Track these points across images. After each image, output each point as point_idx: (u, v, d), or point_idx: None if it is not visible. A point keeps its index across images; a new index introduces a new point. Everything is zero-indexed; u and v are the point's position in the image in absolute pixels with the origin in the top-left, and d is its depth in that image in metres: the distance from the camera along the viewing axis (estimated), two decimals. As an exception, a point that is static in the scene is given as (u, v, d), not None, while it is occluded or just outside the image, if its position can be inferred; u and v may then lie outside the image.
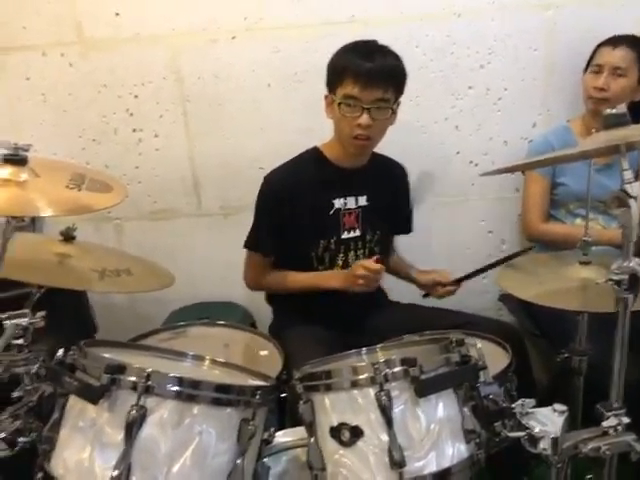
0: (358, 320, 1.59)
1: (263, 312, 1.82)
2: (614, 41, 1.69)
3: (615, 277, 0.94)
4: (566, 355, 1.37)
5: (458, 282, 1.59)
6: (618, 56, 1.67)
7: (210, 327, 1.54)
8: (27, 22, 1.90)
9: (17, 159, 1.06)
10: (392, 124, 1.52)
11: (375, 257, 1.48)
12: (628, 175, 0.91)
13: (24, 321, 1.05)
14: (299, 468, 1.10)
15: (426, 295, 1.66)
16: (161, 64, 1.91)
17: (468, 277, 1.57)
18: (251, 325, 1.94)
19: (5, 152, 1.06)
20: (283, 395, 1.08)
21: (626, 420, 0.96)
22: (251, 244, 1.61)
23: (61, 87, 1.95)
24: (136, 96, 1.94)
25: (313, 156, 1.60)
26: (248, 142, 1.96)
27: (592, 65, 1.73)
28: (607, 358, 1.02)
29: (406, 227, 1.78)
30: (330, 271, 1.60)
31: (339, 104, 1.45)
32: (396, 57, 1.47)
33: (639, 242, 1.30)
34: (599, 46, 1.73)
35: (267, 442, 1.03)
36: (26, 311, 1.07)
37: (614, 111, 0.96)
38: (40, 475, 0.90)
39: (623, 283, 0.94)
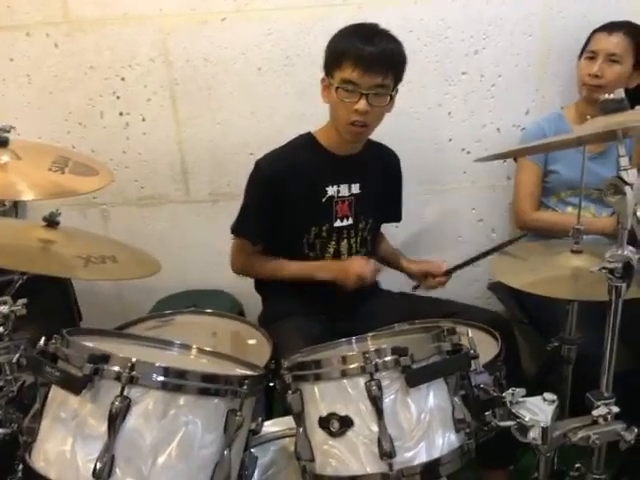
0: (349, 309, 1.58)
1: (252, 300, 1.80)
2: (609, 27, 1.67)
3: (609, 265, 0.93)
4: (555, 344, 1.37)
5: (449, 273, 1.58)
6: (613, 42, 1.65)
7: (198, 315, 1.52)
8: (12, 1, 1.85)
9: (-3, 141, 1.02)
10: (389, 112, 1.49)
11: (372, 260, 1.47)
12: (624, 162, 0.89)
13: (4, 308, 1.03)
14: (287, 458, 1.09)
15: (416, 287, 1.65)
16: (149, 46, 1.87)
17: (459, 267, 1.56)
18: (239, 313, 1.92)
19: (-16, 134, 1.02)
20: (271, 385, 1.07)
21: (615, 409, 0.96)
22: (238, 230, 1.58)
23: (46, 68, 1.90)
24: (123, 78, 1.90)
25: (307, 142, 1.57)
26: (238, 127, 1.93)
27: (587, 51, 1.71)
28: (597, 347, 1.02)
29: (396, 215, 1.77)
30: (324, 262, 1.58)
31: (337, 88, 1.41)
32: (397, 42, 1.43)
33: (632, 232, 1.30)
34: (594, 32, 1.71)
35: (255, 432, 1.01)
36: (6, 298, 1.04)
37: (612, 96, 0.94)
38: (21, 467, 0.88)
39: (617, 271, 0.93)
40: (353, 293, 1.53)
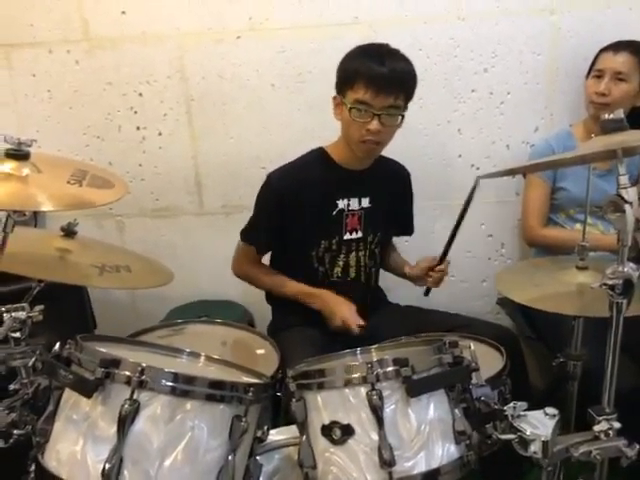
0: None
1: (262, 311, 1.83)
2: (616, 47, 1.69)
3: (609, 282, 0.94)
4: (561, 360, 1.37)
5: (443, 258, 1.57)
6: (619, 61, 1.67)
7: (208, 325, 1.55)
8: (34, 19, 1.93)
9: (19, 154, 1.07)
10: (400, 128, 1.51)
11: (361, 323, 1.46)
12: (624, 180, 0.91)
13: (22, 314, 1.07)
14: (291, 467, 1.10)
15: (427, 291, 1.63)
16: (166, 63, 1.93)
17: (447, 247, 1.55)
18: (249, 324, 1.95)
19: (8, 147, 1.07)
20: (278, 394, 1.09)
21: (617, 425, 0.96)
22: (246, 237, 1.62)
23: (67, 84, 1.97)
24: (140, 94, 1.96)
25: (318, 156, 1.60)
26: (251, 142, 1.98)
27: (594, 70, 1.73)
28: (602, 363, 1.02)
29: (408, 229, 1.79)
30: (320, 291, 1.57)
31: (350, 108, 1.43)
32: (408, 62, 1.45)
33: (636, 248, 1.31)
34: (601, 51, 1.73)
35: (260, 440, 1.03)
36: (24, 305, 1.08)
37: (612, 116, 0.96)
38: (33, 467, 0.91)
39: (617, 288, 0.94)
40: (361, 306, 1.54)
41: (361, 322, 1.45)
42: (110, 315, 2.06)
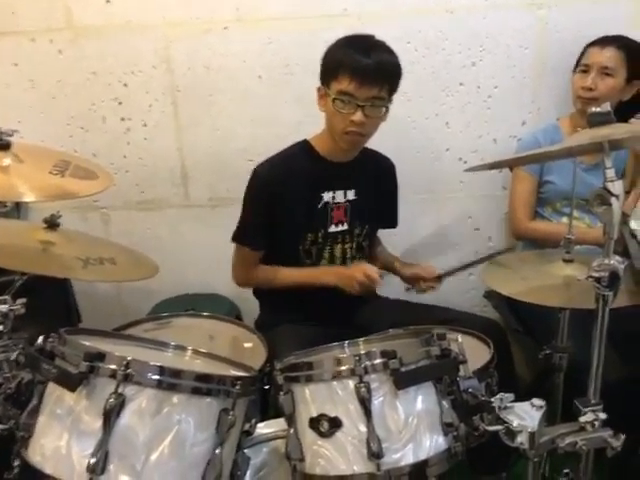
0: (345, 315, 1.59)
1: (249, 304, 1.82)
2: (602, 41, 1.70)
3: (595, 274, 0.95)
4: (548, 352, 1.38)
5: (440, 278, 1.60)
6: (606, 56, 1.68)
7: (195, 318, 1.54)
8: (16, 8, 1.88)
9: (0, 144, 1.05)
10: (384, 120, 1.52)
11: (380, 271, 1.48)
12: (610, 173, 0.91)
13: (4, 308, 1.05)
14: (279, 460, 1.10)
15: (408, 289, 1.66)
16: (151, 53, 1.90)
17: (450, 274, 1.58)
18: (237, 317, 1.94)
19: (-12, 137, 1.05)
20: (267, 387, 1.08)
21: (603, 416, 0.97)
22: (240, 237, 1.59)
23: (50, 74, 1.93)
24: (125, 84, 1.93)
25: (303, 149, 1.59)
26: (238, 134, 1.96)
27: (580, 65, 1.74)
28: (589, 355, 1.03)
29: (392, 221, 1.79)
30: (326, 267, 1.59)
31: (333, 99, 1.43)
32: (393, 54, 1.45)
33: (623, 241, 1.32)
34: (588, 46, 1.74)
35: (248, 433, 1.03)
36: (6, 297, 1.06)
37: (598, 109, 0.96)
38: (17, 462, 0.89)
39: (603, 280, 0.94)
40: (350, 299, 1.54)
41: (379, 271, 1.48)
42: (95, 309, 2.04)
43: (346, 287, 1.50)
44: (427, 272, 1.61)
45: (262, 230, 1.56)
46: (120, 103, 1.95)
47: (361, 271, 1.47)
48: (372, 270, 1.47)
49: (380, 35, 1.48)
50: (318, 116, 1.53)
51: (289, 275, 1.59)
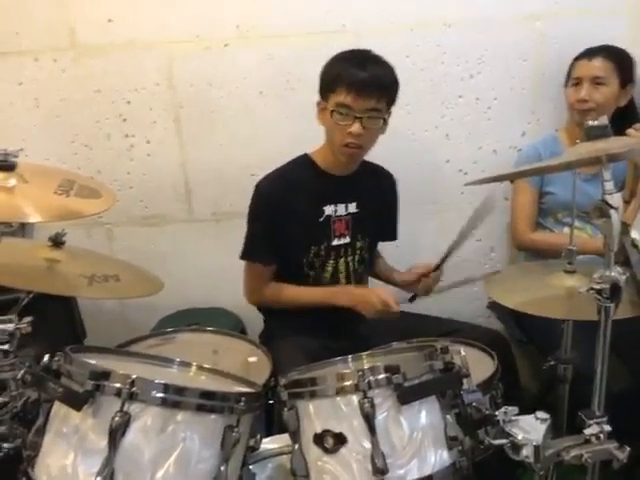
0: (348, 328, 1.59)
1: (253, 319, 1.82)
2: (588, 53, 1.72)
3: (597, 286, 0.95)
4: (552, 363, 1.38)
5: (439, 267, 1.59)
6: (596, 66, 1.69)
7: (199, 333, 1.55)
8: (20, 27, 1.91)
9: (5, 165, 1.07)
10: (383, 133, 1.53)
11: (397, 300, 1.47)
12: (609, 186, 0.92)
13: (10, 326, 1.06)
14: (284, 475, 1.10)
15: (412, 298, 1.64)
16: (154, 71, 1.92)
17: (445, 259, 1.57)
18: (241, 332, 1.94)
19: (-6, 158, 1.06)
20: (271, 402, 1.09)
21: (608, 428, 0.97)
22: (249, 254, 1.59)
23: (54, 92, 1.95)
24: (129, 102, 1.95)
25: (304, 163, 1.61)
26: (240, 149, 1.97)
27: (572, 79, 1.75)
28: (593, 366, 1.03)
29: (392, 234, 1.79)
30: (340, 287, 1.59)
31: (331, 112, 1.45)
32: (389, 67, 1.48)
33: (624, 251, 1.32)
34: (575, 60, 1.75)
35: (253, 449, 1.03)
36: (12, 317, 1.07)
37: (596, 123, 0.97)
38: (23, 481, 0.90)
39: (604, 292, 0.95)
40: (353, 312, 1.55)
41: (397, 299, 1.46)
42: (100, 325, 2.04)
43: (362, 310, 1.50)
44: (425, 267, 1.61)
45: (270, 244, 1.57)
46: (124, 120, 1.97)
47: (378, 296, 1.46)
48: (389, 296, 1.46)
49: (379, 50, 1.51)
50: (319, 130, 1.55)
51: (302, 294, 1.59)
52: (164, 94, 1.94)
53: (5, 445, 0.97)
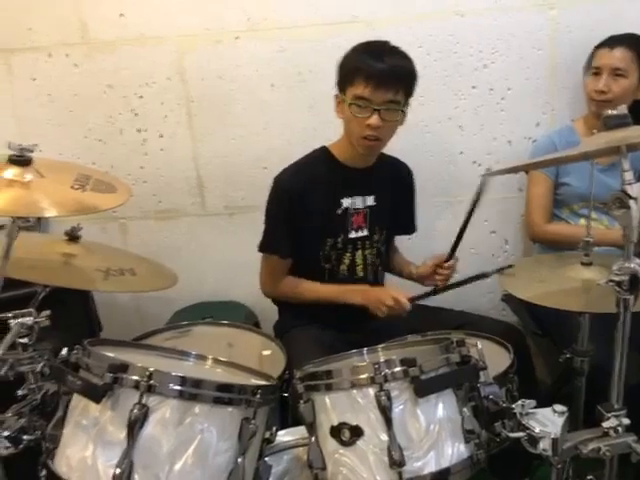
0: (363, 320, 1.59)
1: (267, 312, 1.83)
2: (611, 42, 1.68)
3: (616, 278, 0.94)
4: (568, 356, 1.37)
5: (452, 255, 1.57)
6: (617, 57, 1.66)
7: (214, 327, 1.55)
8: (32, 23, 1.92)
9: (22, 160, 1.07)
10: (401, 124, 1.52)
11: (410, 296, 1.46)
12: (628, 176, 0.91)
13: (29, 320, 1.06)
14: (300, 467, 1.11)
15: (435, 291, 1.59)
16: (166, 65, 1.93)
17: (456, 245, 1.55)
18: (255, 325, 1.95)
19: (10, 153, 1.07)
20: (285, 395, 1.09)
21: (626, 421, 0.96)
22: (267, 247, 1.60)
23: (67, 88, 1.97)
24: (141, 96, 1.96)
25: (322, 156, 1.60)
26: (252, 142, 1.97)
27: (591, 68, 1.72)
28: (610, 359, 1.02)
29: (410, 227, 1.79)
30: (354, 286, 1.58)
31: (350, 104, 1.44)
32: (407, 59, 1.46)
33: (642, 243, 1.30)
34: (596, 48, 1.72)
35: (269, 441, 1.04)
36: (31, 310, 1.08)
37: (615, 112, 0.96)
38: (44, 473, 0.91)
39: (624, 284, 0.94)
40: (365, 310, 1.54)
41: (408, 295, 1.45)
42: (115, 318, 2.06)
43: (373, 309, 1.49)
44: (438, 258, 1.59)
45: (288, 237, 1.57)
46: (136, 115, 1.97)
47: (390, 295, 1.46)
48: (401, 295, 1.45)
49: (391, 40, 1.49)
50: (331, 122, 1.54)
51: (316, 290, 1.58)
52: (176, 88, 1.95)
53: (25, 437, 0.98)
